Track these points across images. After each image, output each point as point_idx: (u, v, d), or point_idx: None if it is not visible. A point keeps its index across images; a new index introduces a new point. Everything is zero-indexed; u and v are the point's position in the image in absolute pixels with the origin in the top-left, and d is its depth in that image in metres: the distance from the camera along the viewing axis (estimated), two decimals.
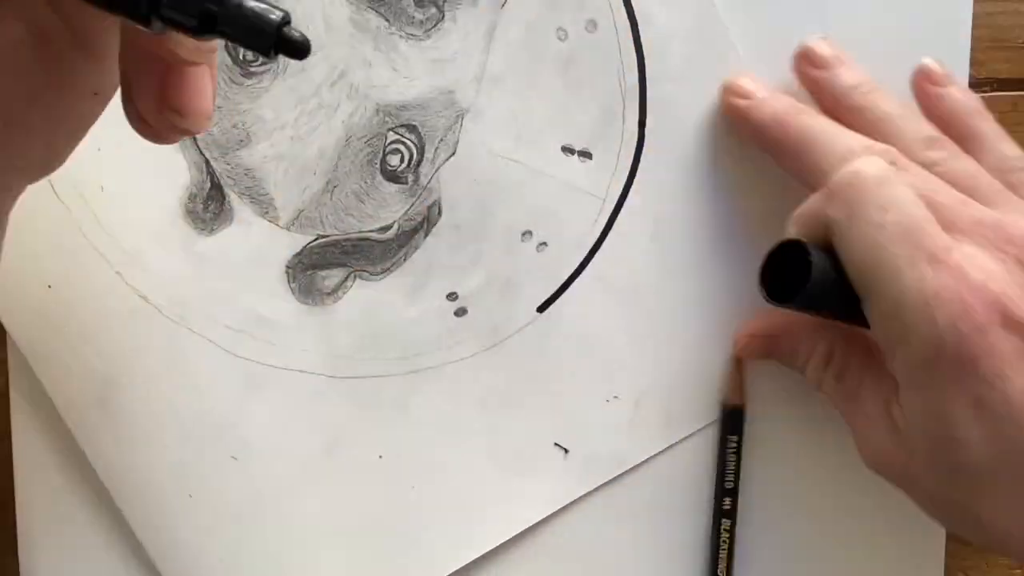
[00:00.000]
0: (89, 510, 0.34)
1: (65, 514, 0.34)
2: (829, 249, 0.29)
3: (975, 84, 0.35)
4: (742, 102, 0.33)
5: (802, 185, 0.32)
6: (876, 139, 0.31)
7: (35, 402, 0.33)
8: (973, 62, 0.35)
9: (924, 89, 0.33)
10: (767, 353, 0.35)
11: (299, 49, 0.20)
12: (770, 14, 0.34)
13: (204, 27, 0.19)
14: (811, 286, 0.28)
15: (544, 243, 0.34)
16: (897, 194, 0.28)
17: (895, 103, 0.32)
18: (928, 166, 0.30)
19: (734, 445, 0.35)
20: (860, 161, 0.29)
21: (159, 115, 0.22)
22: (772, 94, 0.33)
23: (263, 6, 0.19)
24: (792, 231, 0.30)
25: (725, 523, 0.35)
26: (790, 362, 0.34)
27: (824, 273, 0.28)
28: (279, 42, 0.20)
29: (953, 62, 0.34)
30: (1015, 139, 0.35)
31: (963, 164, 0.31)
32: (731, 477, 0.35)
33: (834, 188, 0.29)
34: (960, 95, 0.33)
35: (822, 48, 0.33)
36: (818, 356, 0.33)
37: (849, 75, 0.32)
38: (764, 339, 0.35)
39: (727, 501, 0.35)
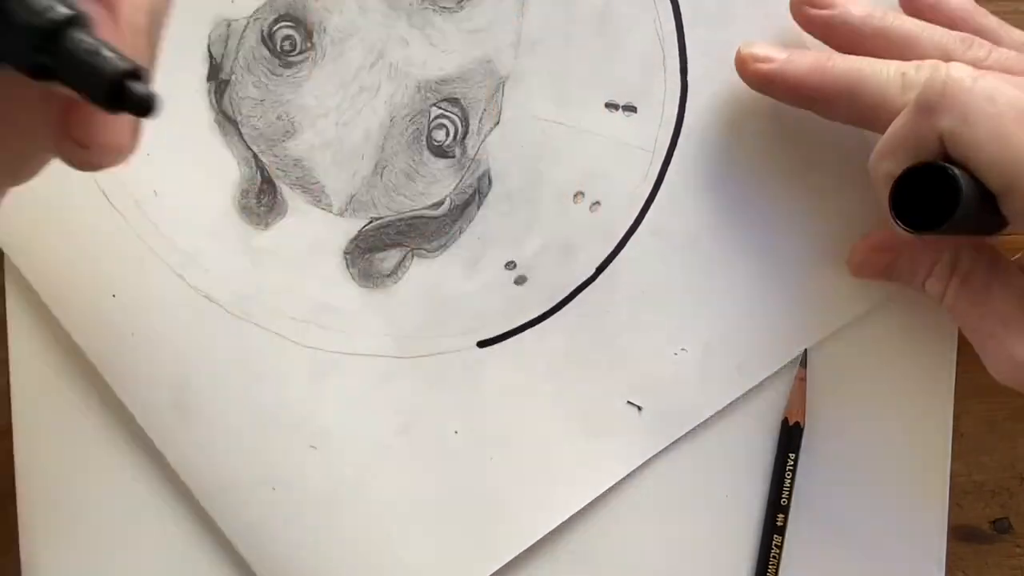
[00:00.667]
0: (91, 507, 0.34)
1: (66, 509, 0.34)
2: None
3: None
4: (769, 65, 0.32)
5: (855, 125, 0.32)
6: (907, 59, 0.31)
7: (35, 398, 0.34)
8: None
9: (916, 5, 0.33)
10: (886, 271, 0.34)
11: (142, 105, 0.19)
12: None
13: (39, 75, 0.19)
14: (962, 207, 0.27)
15: (597, 202, 0.34)
16: (994, 84, 0.27)
17: (911, 19, 0.32)
18: (976, 64, 0.30)
19: (792, 463, 0.35)
20: (944, 67, 0.28)
21: (61, 145, 0.22)
22: (794, 51, 0.32)
23: (105, 55, 0.18)
24: (885, 166, 0.29)
25: (776, 539, 0.36)
26: (908, 279, 0.34)
27: (968, 189, 0.27)
28: (119, 95, 0.18)
29: None
30: None
31: (1003, 53, 0.31)
32: (786, 494, 0.35)
33: (930, 101, 0.28)
34: (953, 1, 0.33)
35: None
36: (943, 265, 0.32)
37: (857, 6, 0.32)
38: (884, 255, 0.34)
39: (780, 518, 0.35)
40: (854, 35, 0.32)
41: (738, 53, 0.33)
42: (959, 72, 0.28)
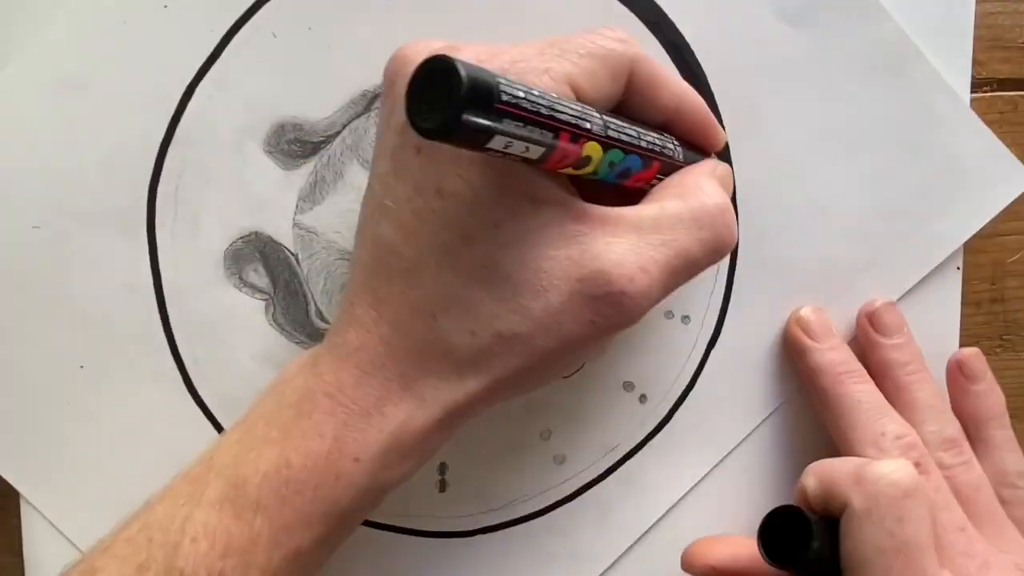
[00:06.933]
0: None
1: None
2: (832, 518, 0.30)
3: (975, 84, 0.36)
4: (807, 341, 0.35)
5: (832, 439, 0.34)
6: (905, 416, 0.33)
7: None
8: (973, 62, 0.35)
9: (956, 378, 0.35)
10: None
11: None
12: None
13: None
14: (811, 558, 0.29)
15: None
16: (916, 512, 0.29)
17: (932, 391, 0.34)
18: (940, 465, 0.33)
19: None
20: (896, 466, 0.29)
21: None
22: (835, 344, 0.35)
23: None
24: (810, 483, 0.31)
25: None
26: None
27: (821, 548, 0.29)
28: None
29: (954, 62, 0.35)
30: (1014, 138, 0.36)
31: (971, 475, 0.33)
32: None
33: (866, 480, 0.29)
34: (986, 398, 0.35)
35: (889, 316, 0.35)
36: None
37: (902, 352, 0.34)
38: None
39: None
40: (885, 369, 0.34)
41: (797, 311, 0.35)
42: (905, 478, 0.29)
